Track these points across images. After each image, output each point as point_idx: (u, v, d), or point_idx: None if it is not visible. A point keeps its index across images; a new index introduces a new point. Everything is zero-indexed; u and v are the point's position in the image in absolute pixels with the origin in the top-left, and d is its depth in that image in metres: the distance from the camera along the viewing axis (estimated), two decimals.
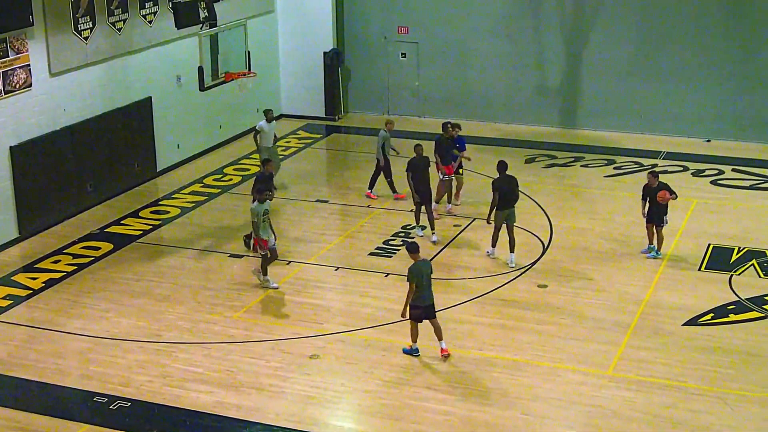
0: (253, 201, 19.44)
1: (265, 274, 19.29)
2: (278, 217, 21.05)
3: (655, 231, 20.42)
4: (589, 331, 17.57)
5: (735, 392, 15.51)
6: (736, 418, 14.84)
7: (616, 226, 22.11)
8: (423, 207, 21.44)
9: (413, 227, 21.92)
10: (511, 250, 20.39)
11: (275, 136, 24.94)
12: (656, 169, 21.67)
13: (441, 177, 22.71)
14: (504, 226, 20.36)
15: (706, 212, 23.12)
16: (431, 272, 16.63)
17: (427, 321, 16.58)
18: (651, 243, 20.50)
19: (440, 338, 16.57)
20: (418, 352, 16.64)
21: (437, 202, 22.68)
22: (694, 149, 27.88)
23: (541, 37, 29.77)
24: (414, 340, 16.66)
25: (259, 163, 23.94)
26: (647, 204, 20.32)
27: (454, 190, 23.24)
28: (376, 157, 23.85)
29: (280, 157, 25.96)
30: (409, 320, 16.59)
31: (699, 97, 28.64)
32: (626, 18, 28.87)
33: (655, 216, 20.30)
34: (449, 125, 22.87)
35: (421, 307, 16.42)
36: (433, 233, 21.42)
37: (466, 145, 23.29)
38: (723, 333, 17.45)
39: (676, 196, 20.35)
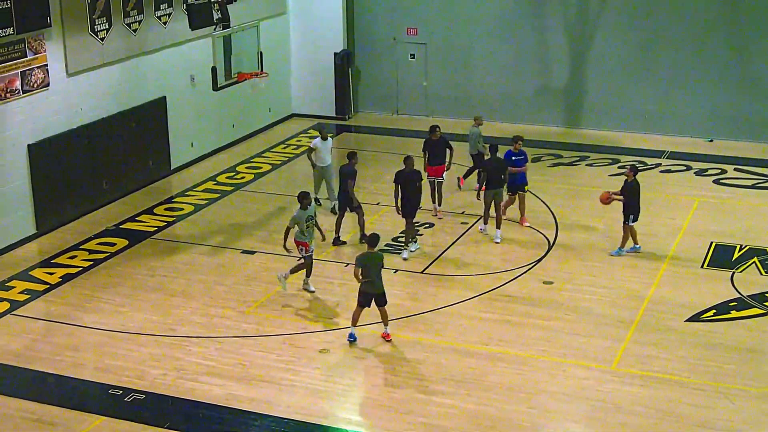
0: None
1: (292, 273, 18.97)
2: (289, 214, 21.02)
3: (631, 229, 20.42)
4: (593, 327, 17.56)
5: (736, 387, 15.49)
6: (737, 412, 14.83)
7: (620, 224, 22.03)
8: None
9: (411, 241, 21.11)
10: (497, 227, 21.32)
11: (331, 154, 23.33)
12: (638, 166, 21.80)
13: (427, 178, 22.36)
14: (492, 204, 21.20)
15: (708, 211, 23.09)
16: (382, 264, 16.94)
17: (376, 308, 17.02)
18: (624, 245, 20.51)
19: (386, 324, 17.08)
20: (355, 339, 16.96)
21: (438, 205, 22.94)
22: (696, 149, 27.83)
23: (547, 39, 29.75)
24: (353, 324, 17.01)
25: (265, 163, 23.76)
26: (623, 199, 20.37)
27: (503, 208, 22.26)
28: (470, 153, 24.01)
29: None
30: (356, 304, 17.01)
31: (702, 98, 28.59)
32: (630, 20, 28.82)
33: (626, 212, 20.29)
34: (437, 128, 22.72)
35: (367, 294, 16.80)
36: (404, 249, 20.80)
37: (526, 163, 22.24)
38: (725, 329, 17.42)
39: (622, 199, 20.24)
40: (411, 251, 20.73)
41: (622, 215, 20.32)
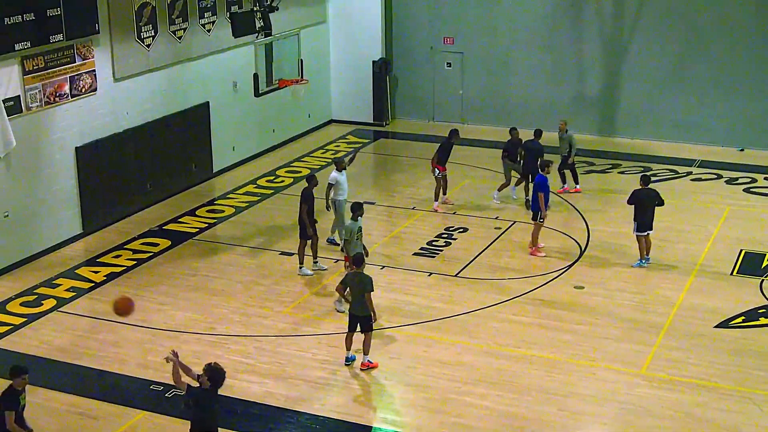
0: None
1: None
2: (327, 216, 21.05)
3: (638, 239, 20.07)
4: (623, 331, 17.43)
5: (764, 393, 15.31)
6: (764, 417, 14.67)
7: (652, 234, 21.89)
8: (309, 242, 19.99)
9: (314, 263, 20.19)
10: (499, 190, 23.79)
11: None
12: (649, 174, 21.57)
13: (435, 174, 23.27)
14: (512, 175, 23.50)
15: (738, 219, 22.87)
16: (363, 286, 15.76)
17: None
18: (642, 256, 20.14)
19: (365, 353, 16.07)
20: (351, 362, 16.21)
21: (435, 200, 23.43)
22: (727, 158, 27.60)
23: (581, 49, 29.61)
24: (347, 348, 16.24)
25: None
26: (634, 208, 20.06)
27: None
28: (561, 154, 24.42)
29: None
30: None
31: (733, 108, 28.35)
32: (663, 32, 28.62)
33: (638, 222, 19.97)
34: (457, 132, 23.78)
35: (352, 317, 16.03)
36: (315, 261, 20.09)
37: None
38: (753, 335, 17.24)
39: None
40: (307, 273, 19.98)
41: (656, 222, 20.10)
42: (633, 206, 20.03)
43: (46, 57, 20.52)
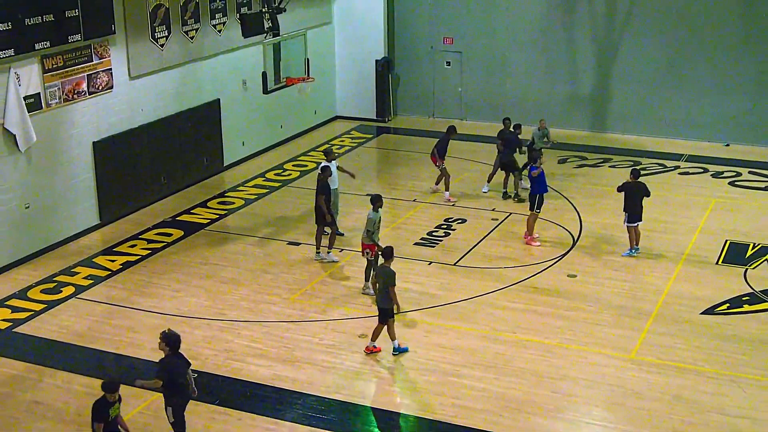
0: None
1: (367, 279, 18.53)
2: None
3: (628, 229, 20.05)
4: (613, 317, 17.45)
5: (748, 377, 15.34)
6: (748, 400, 14.69)
7: (642, 224, 21.91)
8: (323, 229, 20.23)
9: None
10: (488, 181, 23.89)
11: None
12: (638, 168, 21.49)
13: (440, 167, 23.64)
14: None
15: (724, 211, 22.86)
16: (386, 280, 15.83)
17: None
18: (632, 246, 20.10)
19: (372, 339, 16.07)
20: (406, 349, 16.15)
21: (446, 190, 23.64)
22: (713, 152, 27.57)
23: (574, 49, 29.58)
24: (392, 338, 16.10)
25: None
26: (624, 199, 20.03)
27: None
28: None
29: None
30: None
31: (719, 105, 28.32)
32: (652, 33, 28.57)
33: (629, 213, 19.95)
34: (455, 129, 23.90)
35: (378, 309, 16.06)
36: (328, 252, 20.12)
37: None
38: (738, 322, 17.25)
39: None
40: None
41: (645, 214, 20.10)
42: (624, 199, 20.01)
43: (65, 56, 20.52)
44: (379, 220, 18.29)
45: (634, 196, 19.92)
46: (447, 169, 23.61)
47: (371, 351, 16.13)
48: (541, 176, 20.64)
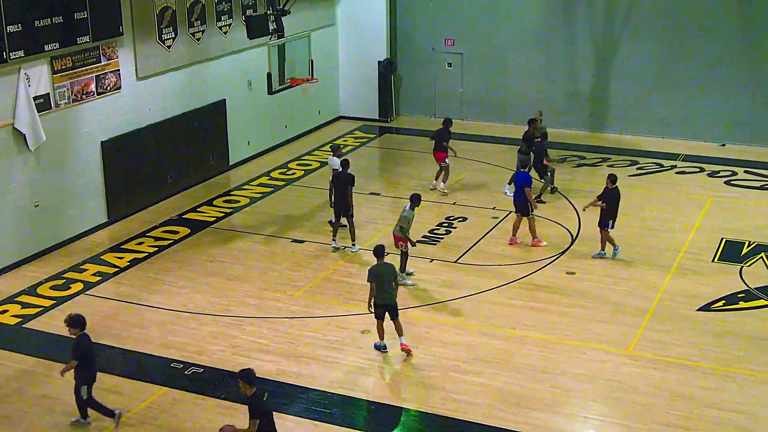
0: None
1: (402, 270, 18.59)
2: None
3: (601, 233, 19.83)
4: (611, 314, 17.46)
5: (743, 372, 15.35)
6: (743, 395, 14.70)
7: (638, 221, 21.93)
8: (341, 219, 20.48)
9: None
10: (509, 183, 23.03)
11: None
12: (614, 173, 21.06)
13: (443, 164, 23.88)
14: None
15: (720, 209, 22.85)
16: (393, 275, 15.91)
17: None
18: (602, 248, 19.89)
19: (400, 335, 15.86)
20: (386, 348, 16.03)
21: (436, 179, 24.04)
22: (709, 152, 27.54)
23: (573, 50, 29.56)
24: (381, 337, 16.04)
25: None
26: (602, 204, 19.70)
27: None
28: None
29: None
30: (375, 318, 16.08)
31: (715, 105, 28.30)
32: (650, 34, 28.54)
33: (602, 219, 19.74)
34: (450, 121, 24.23)
35: (380, 306, 15.88)
36: (353, 244, 20.39)
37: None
38: (733, 318, 17.26)
39: (603, 205, 19.62)
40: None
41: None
42: (606, 203, 19.66)
43: (74, 57, 20.54)
44: (413, 218, 18.64)
45: (615, 202, 19.78)
46: (449, 166, 23.75)
47: (404, 347, 15.88)
48: (528, 181, 20.54)
